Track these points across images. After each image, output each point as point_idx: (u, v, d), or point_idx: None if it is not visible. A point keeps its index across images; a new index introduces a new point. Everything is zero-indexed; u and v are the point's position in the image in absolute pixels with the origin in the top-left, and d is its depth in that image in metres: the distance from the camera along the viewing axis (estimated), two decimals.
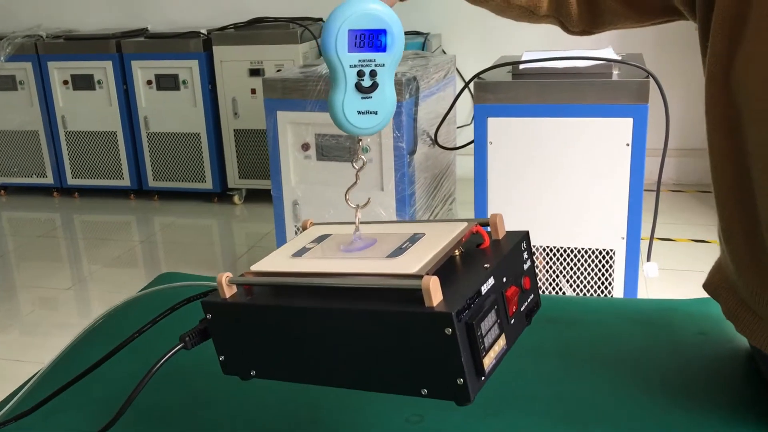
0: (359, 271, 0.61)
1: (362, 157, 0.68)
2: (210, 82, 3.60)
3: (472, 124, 2.04)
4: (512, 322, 0.61)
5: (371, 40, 0.62)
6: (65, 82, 3.80)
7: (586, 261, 2.05)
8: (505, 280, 0.61)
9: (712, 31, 0.70)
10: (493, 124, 2.02)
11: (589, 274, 2.07)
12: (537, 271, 2.11)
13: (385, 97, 0.63)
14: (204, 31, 3.65)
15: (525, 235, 0.67)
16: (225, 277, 0.65)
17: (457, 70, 3.46)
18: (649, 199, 2.03)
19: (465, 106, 3.45)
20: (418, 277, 0.56)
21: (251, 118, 3.56)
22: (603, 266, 2.04)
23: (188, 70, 3.60)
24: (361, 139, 0.67)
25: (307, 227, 0.76)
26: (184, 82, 3.63)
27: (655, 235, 2.13)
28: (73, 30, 4.06)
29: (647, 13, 0.80)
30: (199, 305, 0.74)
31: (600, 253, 2.03)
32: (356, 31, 0.62)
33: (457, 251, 0.63)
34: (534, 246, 2.08)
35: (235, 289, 0.65)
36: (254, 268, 0.67)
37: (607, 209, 1.98)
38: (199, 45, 3.57)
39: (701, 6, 0.74)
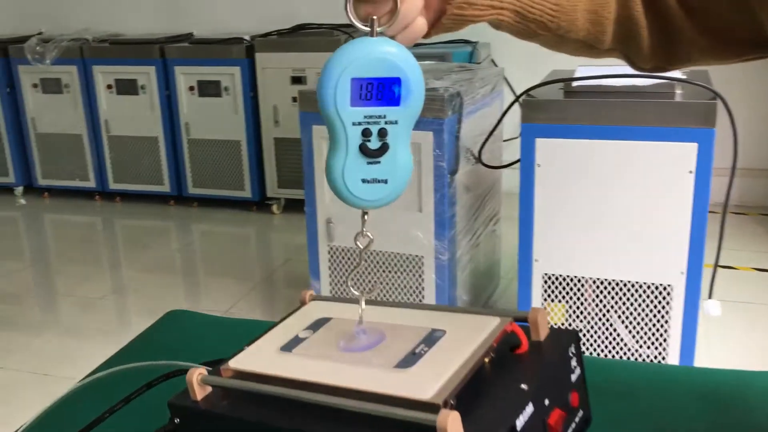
0: (359, 385, 0.48)
1: (368, 234, 0.55)
2: (252, 89, 3.53)
3: (519, 139, 1.90)
4: None
5: (381, 91, 0.49)
6: (109, 87, 3.78)
7: (640, 296, 1.88)
8: (547, 402, 0.49)
9: None
10: (542, 145, 1.87)
11: (643, 310, 1.90)
12: (586, 305, 1.95)
13: (398, 162, 0.50)
14: (247, 37, 3.58)
15: (573, 337, 0.53)
16: (197, 375, 0.53)
17: (507, 81, 3.31)
18: (712, 222, 1.85)
19: (513, 117, 3.28)
20: (433, 407, 0.43)
21: (292, 126, 3.46)
22: (659, 303, 1.86)
23: (230, 76, 3.53)
24: (367, 213, 0.54)
25: (305, 301, 0.64)
26: (226, 88, 3.56)
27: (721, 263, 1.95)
28: (120, 34, 4.03)
29: (734, 48, 0.65)
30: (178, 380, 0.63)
31: (656, 288, 1.86)
32: (362, 80, 0.49)
33: (486, 359, 0.50)
34: (583, 277, 1.93)
35: (209, 389, 0.53)
36: (234, 364, 0.54)
37: (665, 241, 1.81)
38: (242, 51, 3.49)
39: None
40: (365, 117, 0.49)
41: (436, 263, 2.08)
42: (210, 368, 0.54)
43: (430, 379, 0.47)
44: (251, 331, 0.61)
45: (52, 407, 0.79)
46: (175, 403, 0.54)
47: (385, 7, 0.50)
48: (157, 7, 4.13)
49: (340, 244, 2.21)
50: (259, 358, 0.55)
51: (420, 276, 2.12)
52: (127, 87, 3.73)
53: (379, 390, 0.47)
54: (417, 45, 0.60)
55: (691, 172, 1.74)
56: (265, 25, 3.70)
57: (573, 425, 0.51)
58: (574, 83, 1.87)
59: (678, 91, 1.79)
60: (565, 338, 0.53)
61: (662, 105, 1.76)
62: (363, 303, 0.56)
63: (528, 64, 3.37)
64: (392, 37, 0.52)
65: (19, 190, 4.15)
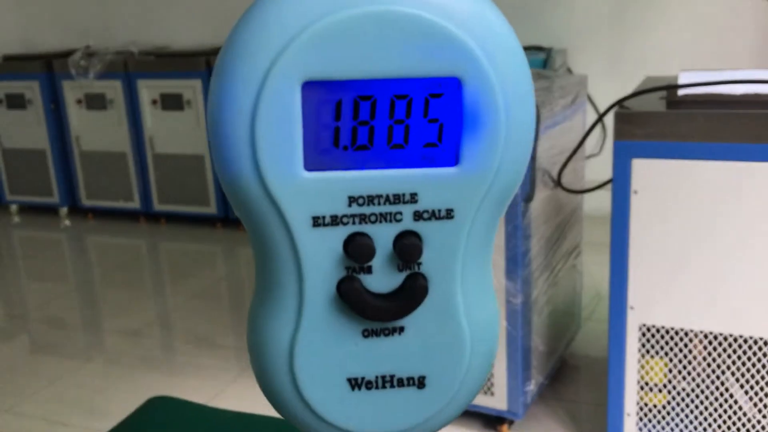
0: None
1: None
2: None
3: (603, 154, 1.56)
4: None
5: None
6: (154, 102, 3.58)
7: (763, 354, 1.51)
8: None
9: None
10: (640, 167, 1.53)
11: (765, 370, 1.52)
12: (693, 362, 1.58)
13: (455, 323, 0.21)
14: None
15: None
16: None
17: (591, 100, 2.97)
18: None
19: (596, 132, 2.93)
20: None
21: None
22: None
23: None
24: None
25: None
26: None
27: None
28: (166, 47, 3.84)
29: None
30: None
31: None
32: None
33: None
34: (690, 330, 1.56)
35: None
36: None
37: None
38: None
39: None
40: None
41: (507, 308, 1.75)
42: None
43: None
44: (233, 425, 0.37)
45: None
46: None
47: None
48: (203, 19, 3.93)
49: None
50: None
51: None
52: (172, 102, 3.53)
53: None
54: None
55: None
56: None
57: None
58: (681, 91, 1.53)
59: None
60: None
61: None
62: None
63: (611, 72, 3.01)
64: None
65: (64, 210, 4.00)
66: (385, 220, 0.20)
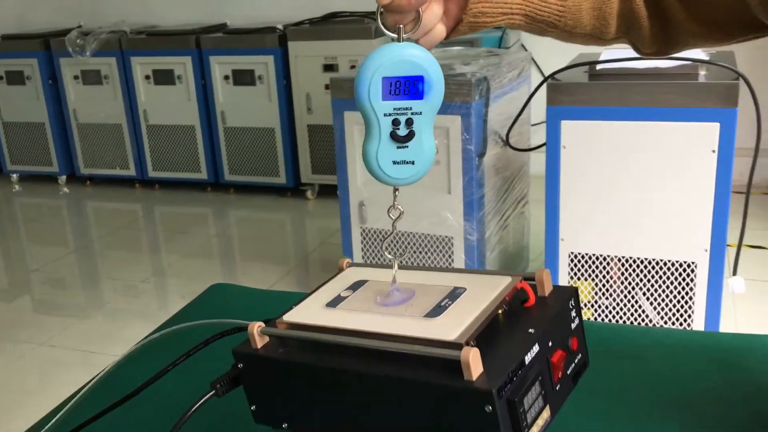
0: (396, 331, 0.57)
1: (399, 207, 0.63)
2: (285, 78, 3.61)
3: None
4: (557, 388, 0.57)
5: (407, 87, 0.57)
6: (147, 77, 3.90)
7: (665, 274, 1.93)
8: (551, 344, 0.57)
9: None
10: (568, 127, 1.92)
11: (668, 287, 1.94)
12: (612, 282, 2.00)
13: (423, 146, 0.59)
14: (280, 26, 3.66)
15: (573, 293, 0.61)
16: (257, 327, 0.61)
17: (538, 66, 3.35)
18: (736, 202, 1.89)
19: (542, 102, 3.31)
20: (457, 346, 0.52)
21: (325, 113, 3.54)
22: (683, 280, 1.91)
23: (264, 65, 3.62)
24: (398, 189, 0.62)
25: (343, 268, 0.72)
26: (260, 77, 3.65)
27: (743, 243, 1.99)
28: (155, 25, 4.14)
29: (730, 32, 0.71)
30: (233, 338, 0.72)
31: (680, 265, 1.90)
32: (391, 78, 0.57)
33: (500, 311, 0.58)
34: (608, 255, 1.98)
35: (267, 338, 0.62)
36: (287, 318, 0.63)
37: (688, 219, 1.86)
38: (275, 40, 3.58)
39: None
40: (394, 109, 0.58)
41: (465, 244, 2.15)
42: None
43: (454, 325, 0.54)
44: (290, 301, 0.69)
45: (116, 365, 0.88)
46: (238, 351, 0.62)
47: (409, 17, 0.59)
48: (188, 0, 4.24)
49: (372, 225, 2.29)
50: (308, 313, 0.63)
51: (449, 256, 2.19)
52: (164, 77, 3.85)
53: (412, 335, 0.55)
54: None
55: (713, 151, 1.78)
56: (297, 14, 3.78)
57: (572, 365, 0.59)
58: (599, 66, 1.92)
59: (701, 72, 1.83)
60: (566, 294, 0.60)
61: (685, 86, 1.80)
62: (396, 265, 0.63)
63: (557, 48, 3.40)
64: (416, 42, 0.60)
65: (63, 179, 4.31)
66: (403, 115, 0.56)
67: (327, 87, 3.48)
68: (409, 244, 2.23)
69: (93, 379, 0.92)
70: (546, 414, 0.55)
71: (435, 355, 0.53)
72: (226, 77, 3.72)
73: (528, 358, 0.53)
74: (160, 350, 0.85)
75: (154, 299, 2.96)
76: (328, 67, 3.48)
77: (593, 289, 2.04)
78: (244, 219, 3.80)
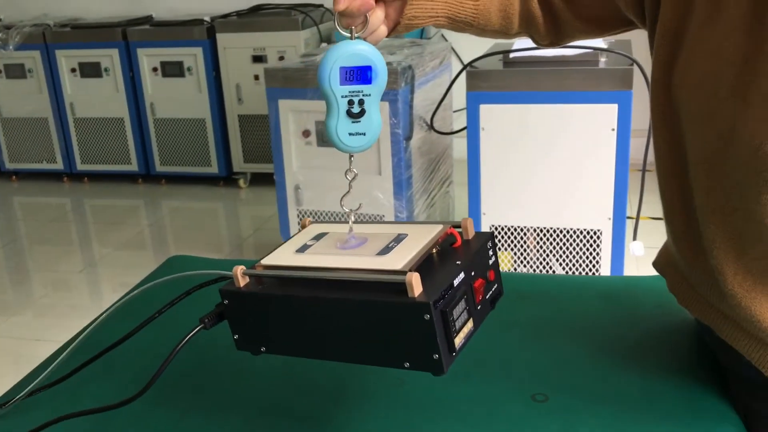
0: (354, 266, 0.72)
1: (354, 170, 0.78)
2: (214, 69, 3.69)
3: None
4: (479, 308, 0.73)
5: (359, 74, 0.73)
6: (73, 70, 3.90)
7: (574, 241, 2.15)
8: (473, 273, 0.73)
9: (656, 41, 0.80)
10: (485, 110, 2.11)
11: (578, 253, 2.17)
12: (528, 250, 2.21)
13: (372, 120, 0.74)
14: (207, 18, 3.73)
15: (490, 236, 0.78)
16: (240, 269, 0.75)
17: (458, 56, 3.55)
18: (635, 179, 2.13)
19: (462, 88, 3.52)
20: (402, 272, 0.67)
21: (255, 103, 3.65)
22: (591, 245, 2.14)
23: (193, 57, 3.69)
24: (353, 156, 0.78)
25: (306, 225, 0.87)
26: (188, 69, 3.72)
27: (645, 215, 2.23)
28: (78, 18, 4.14)
29: (606, 27, 0.91)
30: (207, 291, 0.86)
31: (588, 233, 2.13)
32: (346, 68, 0.73)
33: (434, 249, 0.74)
34: (525, 227, 2.19)
35: (248, 279, 0.76)
36: (264, 261, 0.77)
37: (593, 191, 2.08)
38: (203, 32, 3.65)
39: (649, 20, 0.83)
40: (349, 92, 0.73)
41: (395, 221, 2.32)
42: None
43: (399, 259, 0.70)
44: (247, 266, 0.83)
45: (98, 323, 1.00)
46: (225, 290, 0.76)
47: (359, 20, 0.75)
48: None
49: (307, 207, 2.43)
50: (281, 258, 0.78)
51: None
52: (91, 70, 3.86)
53: (368, 267, 0.71)
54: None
55: (613, 129, 2.00)
56: (220, 7, 3.86)
57: (491, 292, 0.76)
58: (512, 55, 2.11)
59: (602, 59, 2.05)
60: (485, 237, 0.77)
61: (587, 71, 2.02)
62: (353, 217, 0.79)
63: (475, 38, 3.62)
64: (365, 39, 0.76)
65: None
66: (356, 96, 0.70)
67: (257, 78, 3.59)
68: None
69: (76, 337, 1.03)
70: (470, 325, 0.71)
71: (386, 281, 0.68)
72: (155, 69, 3.77)
73: (456, 282, 0.69)
74: (140, 306, 0.97)
75: (85, 293, 3.00)
76: (257, 58, 3.58)
77: (512, 257, 2.25)
78: (176, 209, 3.87)
